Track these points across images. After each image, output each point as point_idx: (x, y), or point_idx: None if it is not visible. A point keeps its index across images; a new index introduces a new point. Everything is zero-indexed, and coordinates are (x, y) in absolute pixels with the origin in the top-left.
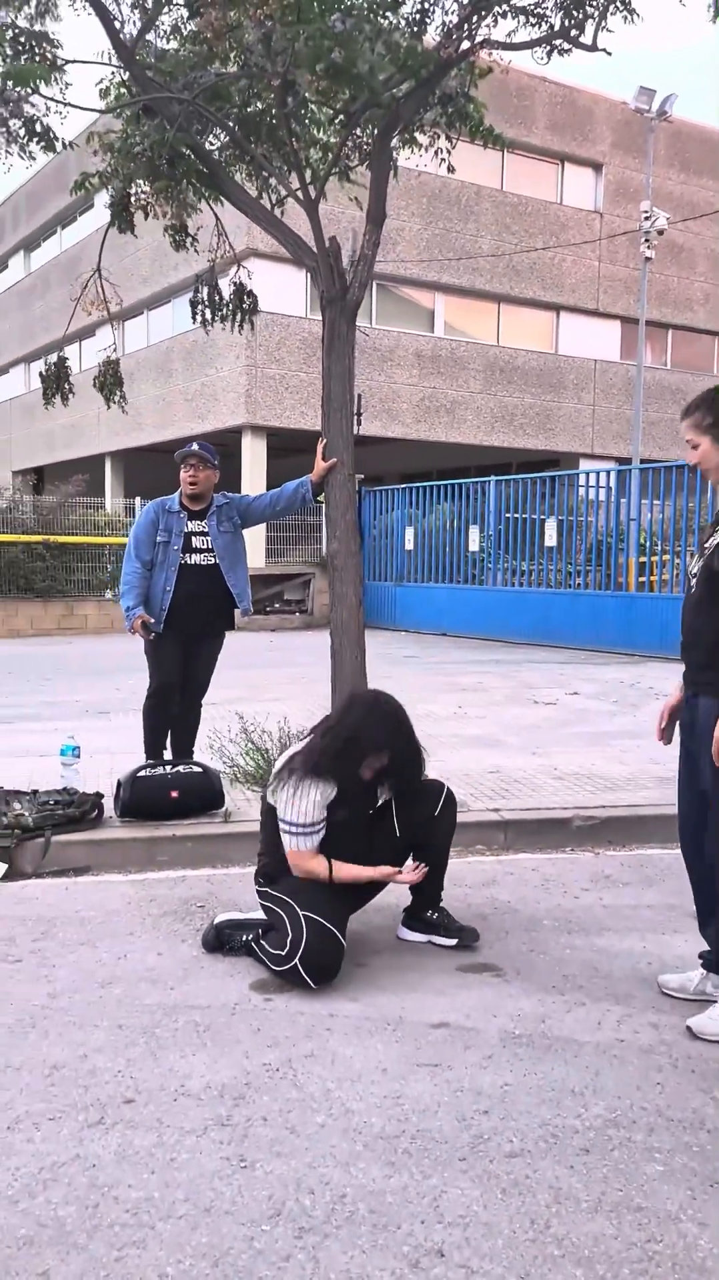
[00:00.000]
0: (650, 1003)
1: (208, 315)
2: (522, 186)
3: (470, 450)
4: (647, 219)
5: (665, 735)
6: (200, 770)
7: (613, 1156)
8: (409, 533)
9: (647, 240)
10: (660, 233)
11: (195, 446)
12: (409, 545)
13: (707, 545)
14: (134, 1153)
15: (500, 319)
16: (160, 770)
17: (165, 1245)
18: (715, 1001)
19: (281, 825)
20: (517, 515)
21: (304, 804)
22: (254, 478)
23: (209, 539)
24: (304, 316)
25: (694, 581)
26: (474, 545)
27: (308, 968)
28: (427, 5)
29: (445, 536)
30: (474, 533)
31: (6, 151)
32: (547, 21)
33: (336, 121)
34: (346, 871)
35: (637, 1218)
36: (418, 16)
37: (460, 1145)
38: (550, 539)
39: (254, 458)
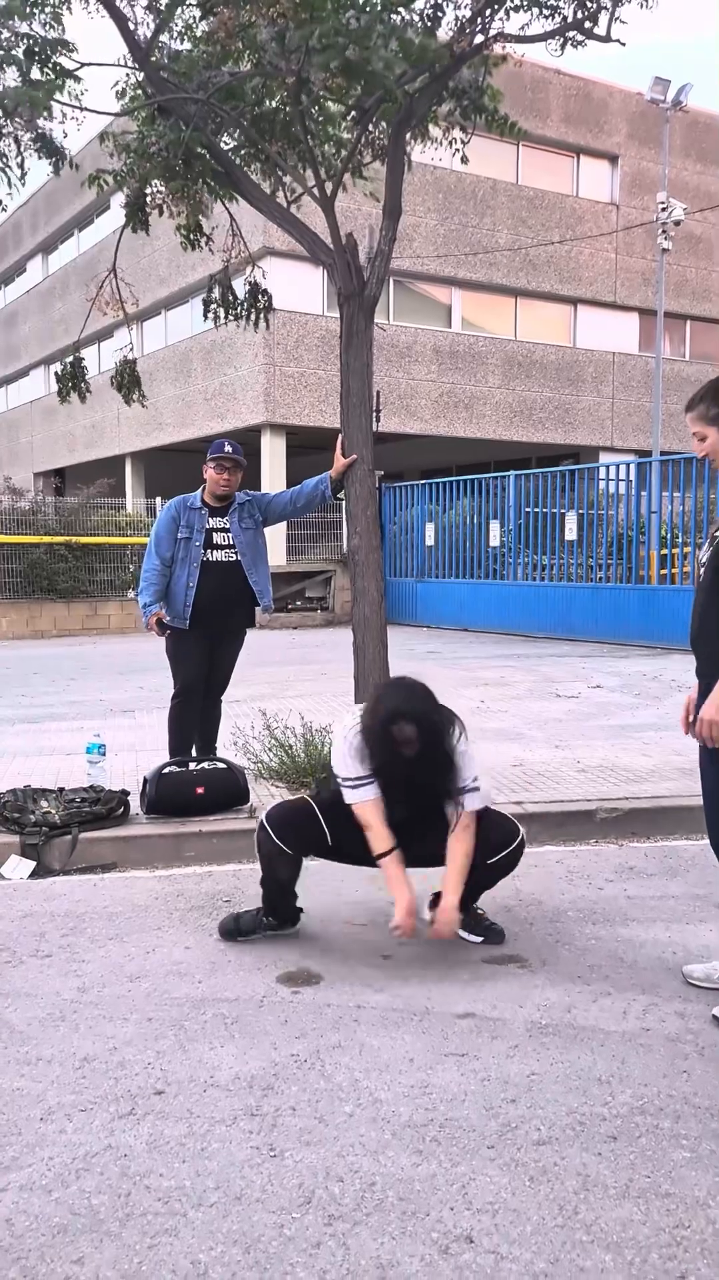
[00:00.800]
0: (676, 992)
1: (221, 314)
2: (537, 180)
3: (490, 445)
4: (663, 210)
5: (689, 727)
6: (225, 767)
7: (640, 1143)
8: (429, 528)
9: (664, 231)
10: (677, 223)
11: (228, 448)
12: (429, 541)
13: (717, 534)
14: (165, 1143)
15: (518, 313)
16: (186, 767)
17: (197, 1233)
18: None
19: (338, 784)
20: (537, 510)
21: (344, 758)
22: (274, 476)
23: (231, 535)
24: (321, 314)
25: (703, 570)
26: (495, 540)
27: (270, 820)
28: (440, 0)
29: (466, 532)
30: (495, 528)
31: (18, 165)
32: (559, 13)
33: (350, 117)
34: (391, 869)
35: (664, 1203)
36: (431, 11)
37: (488, 1133)
38: (571, 533)
39: (273, 456)
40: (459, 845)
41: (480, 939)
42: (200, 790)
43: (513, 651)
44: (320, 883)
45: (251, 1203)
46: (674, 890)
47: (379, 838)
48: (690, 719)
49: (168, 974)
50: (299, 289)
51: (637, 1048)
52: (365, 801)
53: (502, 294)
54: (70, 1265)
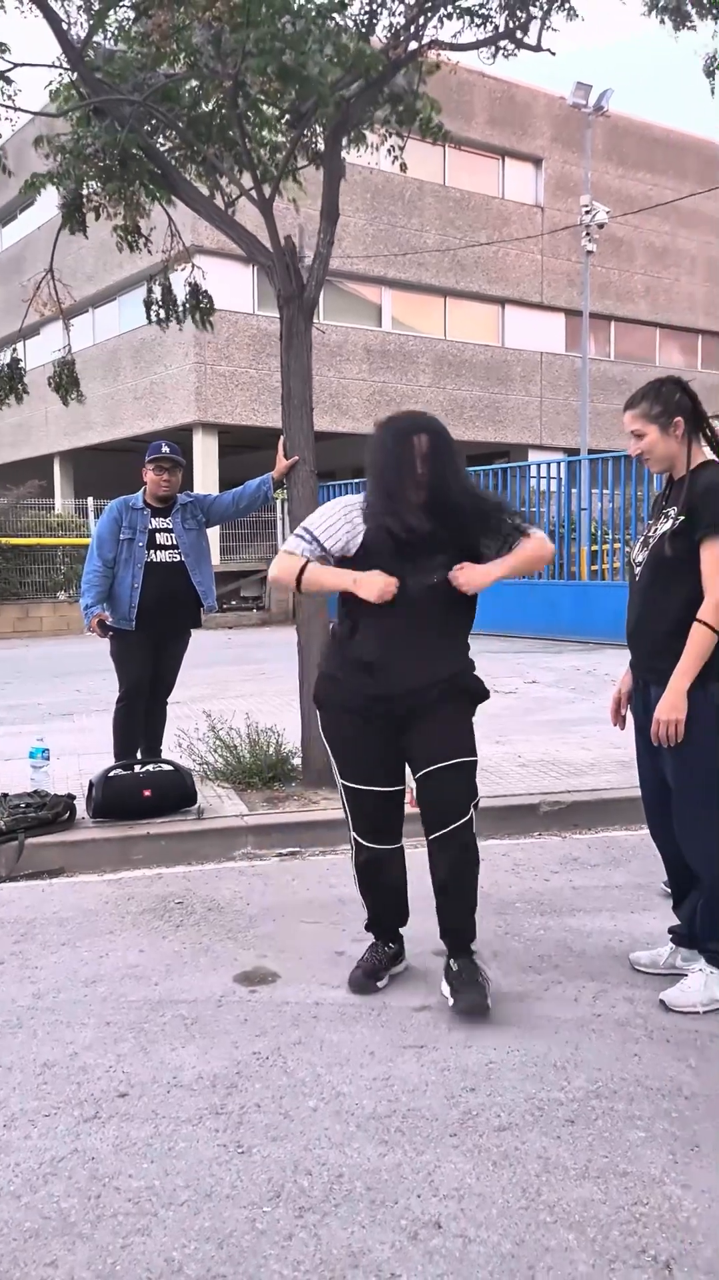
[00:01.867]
0: (624, 978)
1: (162, 315)
2: (464, 181)
3: None
4: (587, 213)
5: (621, 721)
6: (172, 769)
7: (597, 1126)
8: None
9: (588, 234)
10: (601, 226)
11: (166, 449)
12: None
13: (650, 535)
14: (131, 1144)
15: (447, 313)
16: (132, 770)
17: (169, 1231)
18: (686, 975)
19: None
20: None
21: (321, 515)
22: (206, 475)
23: (174, 536)
24: (253, 313)
25: (639, 570)
26: None
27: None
28: (374, 6)
29: None
30: None
31: None
32: (491, 22)
33: (285, 121)
34: (318, 575)
35: (622, 1182)
36: (366, 18)
37: (450, 1122)
38: None
39: (206, 455)
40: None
41: (449, 1002)
42: (147, 793)
43: None
44: (272, 881)
45: (222, 1199)
46: (617, 880)
47: (287, 568)
48: (622, 712)
49: (123, 977)
50: (230, 288)
51: (589, 1033)
52: (294, 554)
53: (431, 294)
54: (44, 1268)
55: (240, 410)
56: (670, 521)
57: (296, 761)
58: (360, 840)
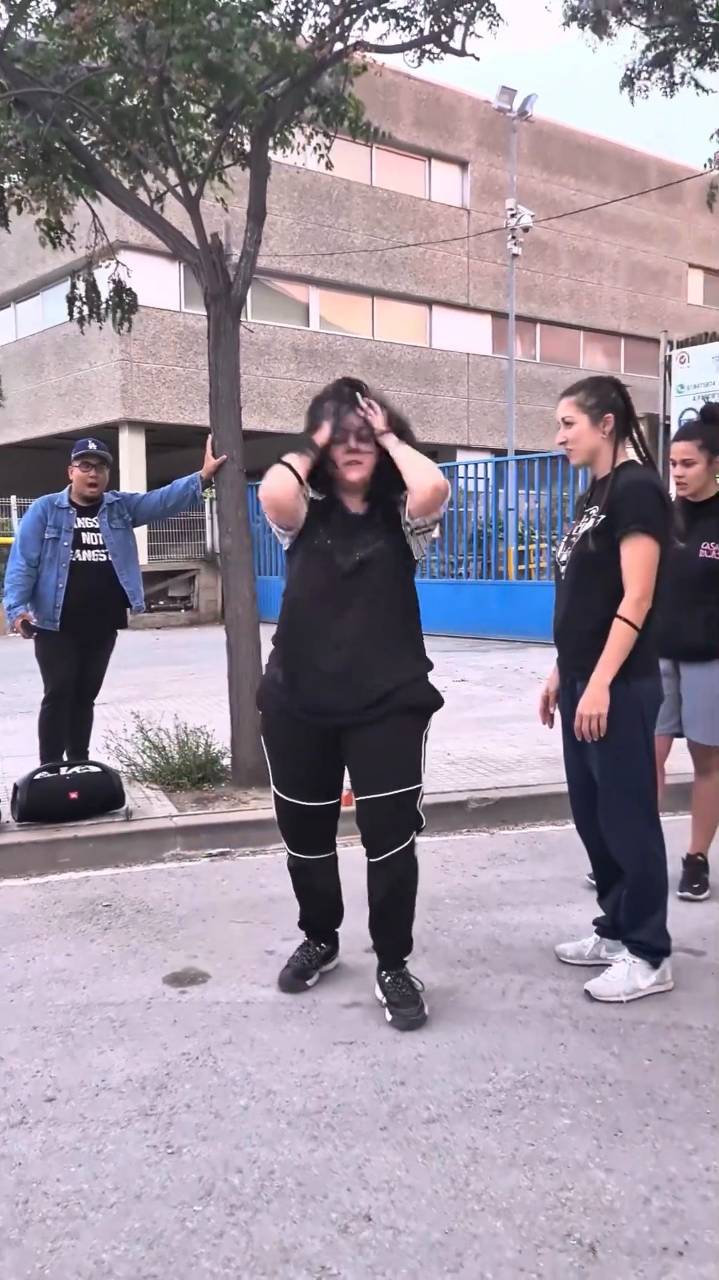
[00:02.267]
0: (550, 970)
1: (84, 312)
2: (391, 182)
3: None
4: (513, 216)
5: (549, 718)
6: (99, 770)
7: (523, 1114)
8: None
9: (513, 237)
10: (526, 230)
11: (93, 445)
12: None
13: (573, 535)
14: (59, 1148)
15: (375, 313)
16: (58, 772)
17: (99, 1234)
18: (610, 965)
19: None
20: None
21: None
22: (133, 473)
23: (100, 536)
24: (179, 310)
25: (564, 569)
26: None
27: None
28: (300, 6)
29: None
30: None
31: None
32: (416, 25)
33: (211, 119)
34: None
35: (548, 1168)
36: (291, 17)
37: (380, 1115)
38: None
39: (132, 453)
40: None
41: (388, 1017)
42: (74, 795)
43: None
44: (201, 881)
45: (152, 1200)
46: (544, 874)
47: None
48: (550, 710)
49: (50, 981)
50: (156, 284)
51: (516, 1025)
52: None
53: (358, 294)
54: None
55: (167, 408)
56: (592, 520)
57: (226, 762)
58: (287, 847)
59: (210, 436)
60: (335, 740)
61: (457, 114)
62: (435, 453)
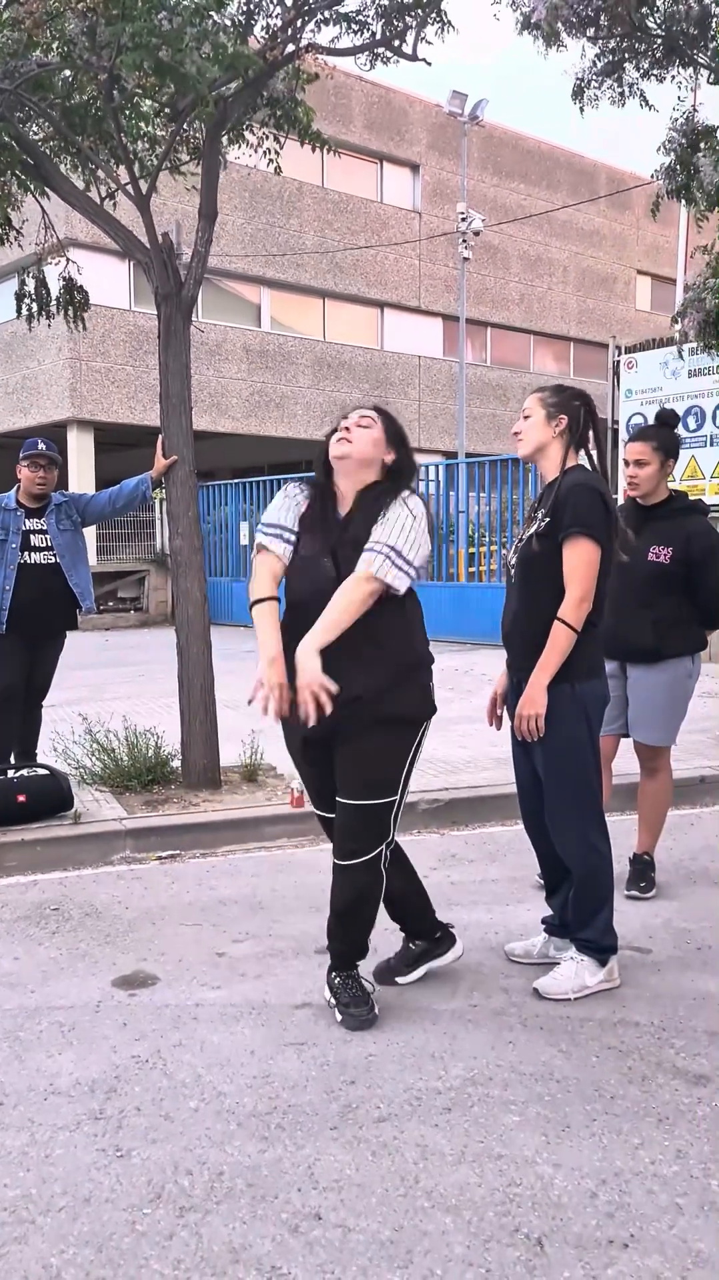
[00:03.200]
0: (499, 969)
1: (33, 310)
2: (342, 184)
3: (302, 444)
4: (463, 220)
5: (497, 720)
6: (47, 773)
7: (473, 1112)
8: (244, 528)
9: (464, 241)
10: (477, 234)
11: (42, 445)
12: (244, 540)
13: (522, 538)
14: (6, 1153)
15: (326, 315)
16: (5, 775)
17: (47, 1238)
18: (559, 963)
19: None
20: None
21: (277, 500)
22: (82, 473)
23: (49, 537)
24: (129, 309)
25: (513, 572)
26: None
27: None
28: (252, 6)
29: None
30: None
31: None
32: (368, 29)
33: (162, 115)
34: (262, 618)
35: (497, 1165)
36: (243, 18)
37: (330, 1115)
38: None
39: (81, 453)
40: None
41: (456, 954)
42: (22, 798)
43: None
44: (151, 884)
45: (101, 1203)
46: (493, 874)
47: (258, 573)
48: (499, 712)
49: None
50: (105, 282)
51: (465, 1024)
52: (264, 549)
53: (310, 295)
54: None
55: (117, 407)
56: (538, 523)
57: (176, 764)
58: None
59: (160, 437)
60: (330, 747)
61: (408, 117)
62: None
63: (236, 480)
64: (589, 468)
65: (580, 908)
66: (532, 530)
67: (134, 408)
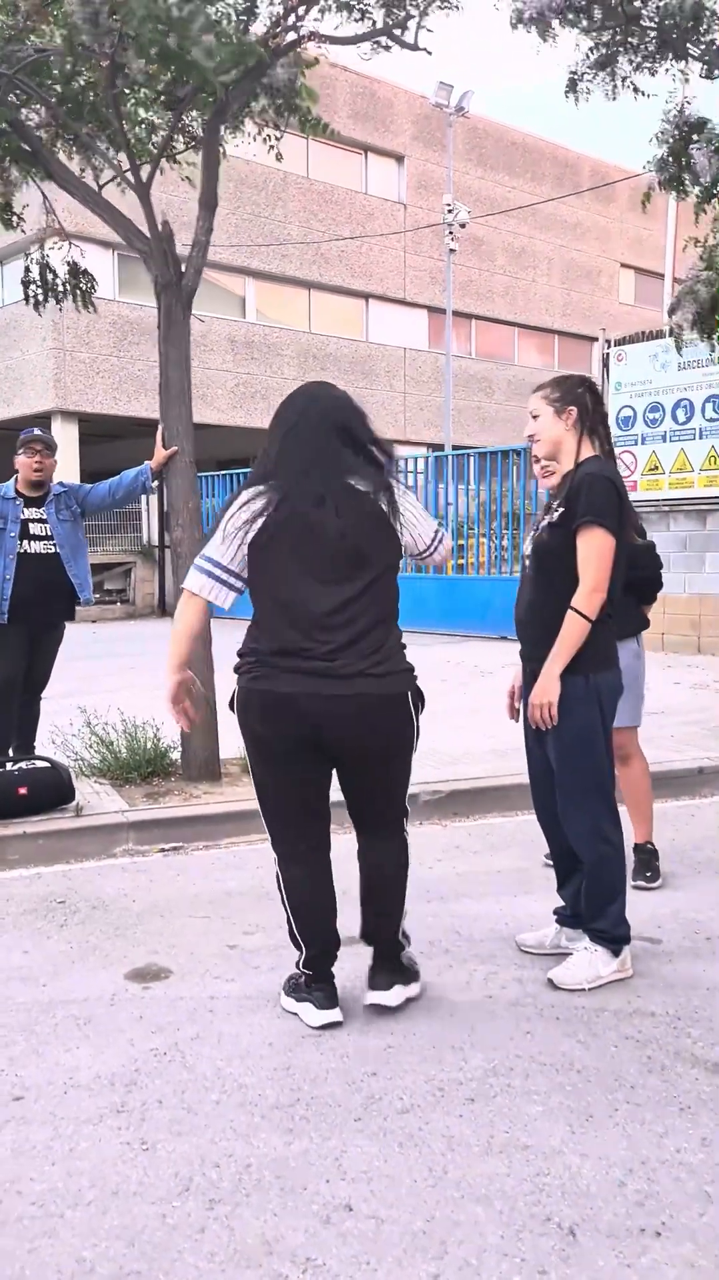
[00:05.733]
0: (512, 960)
1: (40, 296)
2: (327, 175)
3: None
4: (450, 212)
5: (515, 714)
6: (48, 765)
7: (496, 1102)
8: None
9: (450, 233)
10: (463, 226)
11: (38, 432)
12: None
13: (536, 528)
14: (31, 1147)
15: (311, 305)
16: (5, 767)
17: (77, 1232)
18: (571, 954)
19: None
20: None
21: (218, 536)
22: (67, 464)
23: (48, 527)
24: (114, 299)
25: (528, 562)
26: None
27: None
28: None
29: None
30: None
31: None
32: (369, 17)
33: (160, 102)
34: (179, 624)
35: (524, 1155)
36: (246, 5)
37: (354, 1107)
38: None
39: (65, 443)
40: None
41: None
42: (23, 791)
43: None
44: (156, 877)
45: (129, 1196)
46: (498, 865)
47: (184, 609)
48: (516, 705)
49: (8, 979)
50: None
51: (483, 1014)
52: (200, 592)
53: (295, 286)
54: None
55: (102, 398)
56: (552, 513)
57: (175, 755)
58: None
59: (161, 427)
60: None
61: (393, 108)
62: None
63: (222, 471)
64: (601, 453)
65: (593, 898)
66: (546, 520)
67: (118, 398)
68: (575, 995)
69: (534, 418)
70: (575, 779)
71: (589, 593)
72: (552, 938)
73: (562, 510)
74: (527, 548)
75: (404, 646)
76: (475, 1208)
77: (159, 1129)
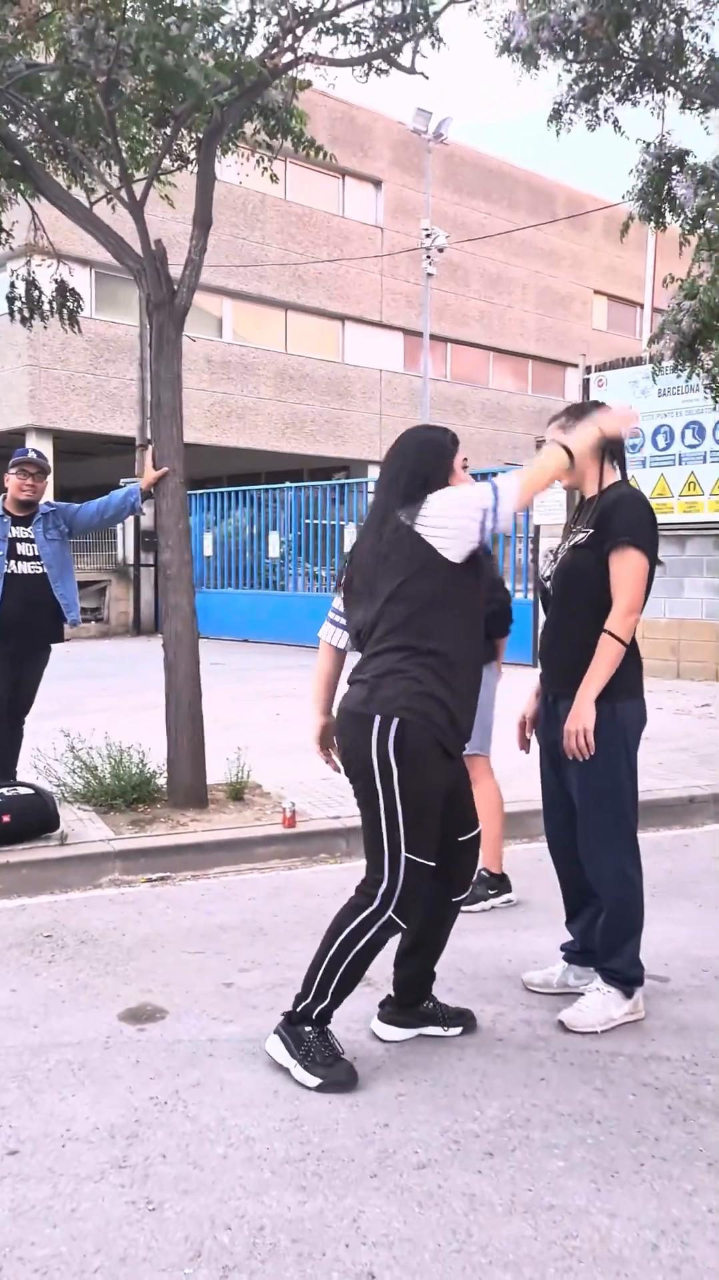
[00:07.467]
0: (519, 999)
1: (25, 313)
2: (306, 198)
3: (262, 456)
4: (428, 236)
5: (526, 745)
6: (32, 792)
7: (515, 1157)
8: (208, 538)
9: (428, 257)
10: (441, 250)
11: (33, 453)
12: (208, 551)
13: (556, 552)
14: (30, 1207)
15: (288, 327)
16: None
17: None
18: (579, 994)
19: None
20: (315, 521)
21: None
22: None
23: (36, 547)
24: (90, 316)
25: (550, 585)
26: (274, 551)
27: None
28: (253, 15)
29: (244, 542)
30: (274, 538)
31: None
32: (365, 41)
33: (151, 119)
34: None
35: (550, 1215)
36: (243, 26)
37: (368, 1161)
38: (350, 544)
39: None
40: None
41: (457, 1030)
42: (6, 818)
43: (298, 662)
44: (145, 909)
45: (138, 1263)
46: (499, 899)
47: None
48: (528, 735)
49: None
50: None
51: (493, 1059)
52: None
53: (272, 307)
54: None
55: (77, 415)
56: (580, 535)
57: (161, 781)
58: None
59: (151, 447)
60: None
61: (371, 133)
62: (347, 467)
63: (200, 491)
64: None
65: (609, 936)
66: (569, 543)
67: (94, 416)
68: (588, 1039)
69: None
70: (598, 814)
71: (624, 614)
72: (559, 976)
73: (590, 532)
74: (546, 571)
75: (419, 681)
76: (504, 1275)
77: (164, 1186)
